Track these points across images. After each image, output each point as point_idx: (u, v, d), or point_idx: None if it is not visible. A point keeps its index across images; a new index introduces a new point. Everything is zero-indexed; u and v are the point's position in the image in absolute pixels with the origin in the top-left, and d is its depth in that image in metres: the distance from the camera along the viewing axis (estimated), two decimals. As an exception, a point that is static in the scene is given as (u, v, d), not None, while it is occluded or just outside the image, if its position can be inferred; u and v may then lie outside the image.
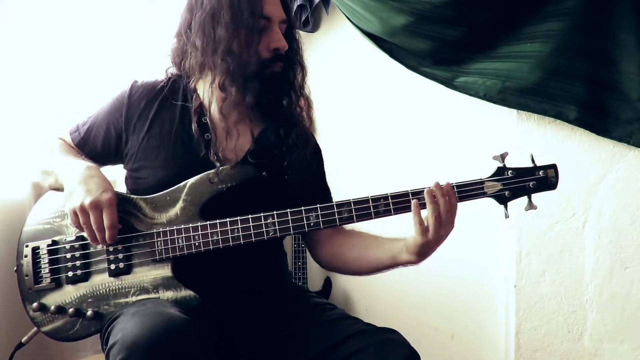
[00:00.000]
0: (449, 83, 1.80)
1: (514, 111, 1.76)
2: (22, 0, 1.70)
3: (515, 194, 1.19)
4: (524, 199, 1.20)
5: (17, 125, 1.66)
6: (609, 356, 1.70)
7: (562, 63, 1.60)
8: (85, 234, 1.21)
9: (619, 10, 1.53)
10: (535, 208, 1.20)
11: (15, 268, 1.27)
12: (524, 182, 1.19)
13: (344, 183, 2.24)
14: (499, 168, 1.20)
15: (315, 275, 2.48)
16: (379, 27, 1.82)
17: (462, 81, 1.77)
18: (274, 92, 1.27)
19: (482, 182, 1.20)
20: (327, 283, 2.42)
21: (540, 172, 1.20)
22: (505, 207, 1.20)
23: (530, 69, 1.63)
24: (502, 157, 1.20)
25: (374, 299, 2.32)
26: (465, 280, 2.01)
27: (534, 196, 1.20)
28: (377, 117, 2.22)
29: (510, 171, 1.19)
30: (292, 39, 1.30)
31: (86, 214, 1.16)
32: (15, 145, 1.65)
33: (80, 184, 1.18)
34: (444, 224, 1.15)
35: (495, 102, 1.70)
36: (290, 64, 1.30)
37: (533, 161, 1.21)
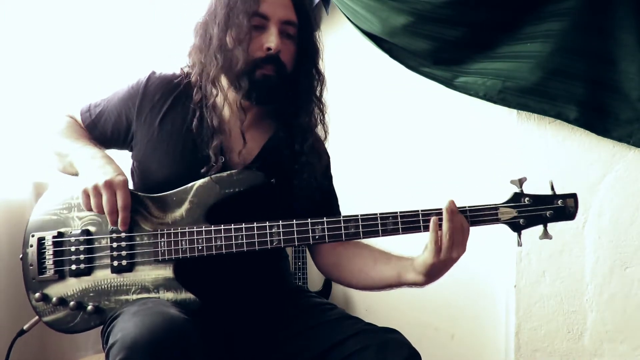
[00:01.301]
0: (449, 83, 1.80)
1: (514, 111, 1.76)
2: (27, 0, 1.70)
3: (531, 223, 1.14)
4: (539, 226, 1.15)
5: (18, 125, 1.66)
6: (609, 356, 1.71)
7: (562, 63, 1.60)
8: (91, 228, 1.21)
9: (619, 10, 1.54)
10: (551, 238, 1.14)
11: (20, 256, 1.26)
12: (540, 211, 1.14)
13: (344, 183, 2.24)
14: (515, 194, 1.16)
15: (315, 275, 2.48)
16: (379, 27, 1.82)
17: (462, 81, 1.77)
18: (267, 95, 1.25)
19: (496, 208, 1.15)
20: (327, 283, 2.42)
21: (559, 202, 1.14)
22: (519, 235, 1.15)
23: (530, 69, 1.63)
24: (520, 182, 1.15)
25: (374, 299, 2.32)
26: (465, 280, 2.01)
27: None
28: (377, 117, 2.22)
29: (527, 198, 1.14)
30: (307, 44, 1.28)
31: (99, 194, 1.15)
32: (17, 145, 1.64)
33: (97, 167, 1.18)
34: (455, 245, 1.13)
35: (495, 102, 1.71)
36: (305, 71, 1.29)
37: (552, 189, 1.15)
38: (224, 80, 1.27)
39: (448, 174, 1.97)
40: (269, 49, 1.21)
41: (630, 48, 1.53)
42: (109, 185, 1.14)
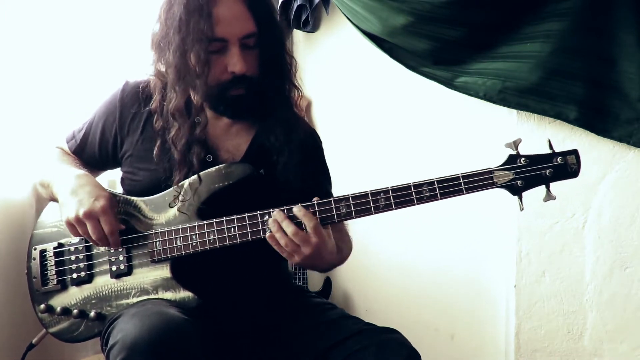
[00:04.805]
0: (449, 83, 1.80)
1: (514, 111, 1.76)
2: (26, 1, 1.70)
3: (530, 184, 1.10)
4: (541, 189, 1.11)
5: (18, 124, 1.66)
6: (609, 356, 1.70)
7: (562, 63, 1.59)
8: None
9: (619, 10, 1.53)
10: (554, 198, 1.10)
11: (26, 271, 1.29)
12: (539, 170, 1.10)
13: (344, 184, 2.24)
14: (510, 156, 1.12)
15: (315, 275, 2.48)
16: (379, 27, 1.82)
17: (462, 81, 1.77)
18: (241, 112, 1.24)
19: (491, 172, 1.12)
20: (327, 283, 2.42)
21: (559, 159, 1.10)
22: (520, 198, 1.11)
23: (530, 69, 1.63)
24: (515, 144, 1.12)
25: (374, 299, 2.32)
26: (466, 281, 2.01)
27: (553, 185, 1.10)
28: (377, 118, 2.22)
29: (523, 159, 1.11)
30: (271, 45, 1.22)
31: (82, 224, 1.15)
32: (16, 145, 1.64)
33: (71, 194, 1.17)
34: (293, 251, 1.12)
35: (495, 102, 1.70)
36: (274, 71, 1.24)
37: (551, 147, 1.12)
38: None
39: (448, 174, 1.97)
40: (233, 71, 1.17)
41: (630, 48, 1.53)
42: (89, 215, 1.14)
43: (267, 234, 1.13)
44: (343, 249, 1.26)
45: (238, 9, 1.16)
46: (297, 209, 1.12)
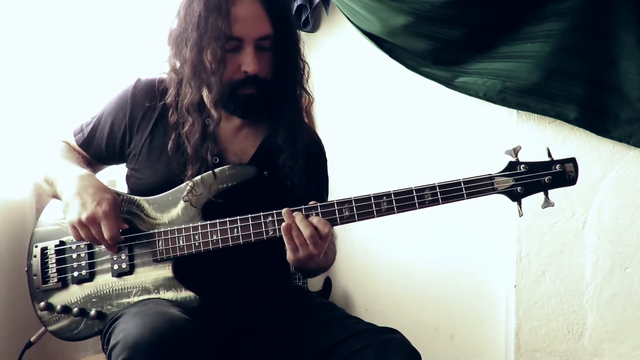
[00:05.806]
0: (449, 83, 1.80)
1: (514, 111, 1.76)
2: (26, 1, 1.70)
3: (529, 190, 1.13)
4: (540, 195, 1.14)
5: (18, 124, 1.66)
6: (609, 356, 1.71)
7: (562, 63, 1.60)
8: None
9: (619, 10, 1.54)
10: (553, 205, 1.13)
11: (26, 268, 1.29)
12: (538, 177, 1.13)
13: (344, 184, 2.24)
14: (510, 162, 1.15)
15: (315, 275, 2.48)
16: (379, 27, 1.82)
17: (462, 81, 1.77)
18: (252, 111, 1.25)
19: (491, 178, 1.14)
20: (327, 283, 2.42)
21: (557, 166, 1.13)
22: (519, 204, 1.14)
23: (530, 69, 1.63)
24: (515, 151, 1.15)
25: (374, 299, 2.32)
26: (466, 281, 2.01)
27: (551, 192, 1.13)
28: (378, 118, 2.22)
29: (523, 166, 1.14)
30: (286, 49, 1.24)
31: (85, 227, 1.16)
32: (17, 145, 1.64)
33: (74, 196, 1.17)
34: (302, 245, 1.13)
35: (495, 102, 1.71)
36: (287, 76, 1.25)
37: (549, 155, 1.14)
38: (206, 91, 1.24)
39: (448, 174, 1.97)
40: (246, 71, 1.18)
41: (630, 48, 1.53)
42: (92, 220, 1.15)
43: (283, 224, 1.14)
44: (328, 254, 1.26)
45: (256, 10, 1.18)
46: (311, 218, 1.14)
